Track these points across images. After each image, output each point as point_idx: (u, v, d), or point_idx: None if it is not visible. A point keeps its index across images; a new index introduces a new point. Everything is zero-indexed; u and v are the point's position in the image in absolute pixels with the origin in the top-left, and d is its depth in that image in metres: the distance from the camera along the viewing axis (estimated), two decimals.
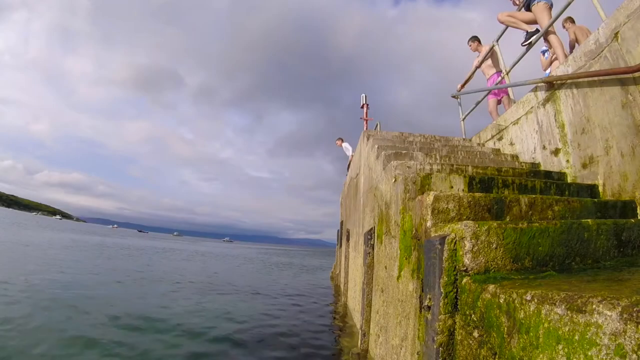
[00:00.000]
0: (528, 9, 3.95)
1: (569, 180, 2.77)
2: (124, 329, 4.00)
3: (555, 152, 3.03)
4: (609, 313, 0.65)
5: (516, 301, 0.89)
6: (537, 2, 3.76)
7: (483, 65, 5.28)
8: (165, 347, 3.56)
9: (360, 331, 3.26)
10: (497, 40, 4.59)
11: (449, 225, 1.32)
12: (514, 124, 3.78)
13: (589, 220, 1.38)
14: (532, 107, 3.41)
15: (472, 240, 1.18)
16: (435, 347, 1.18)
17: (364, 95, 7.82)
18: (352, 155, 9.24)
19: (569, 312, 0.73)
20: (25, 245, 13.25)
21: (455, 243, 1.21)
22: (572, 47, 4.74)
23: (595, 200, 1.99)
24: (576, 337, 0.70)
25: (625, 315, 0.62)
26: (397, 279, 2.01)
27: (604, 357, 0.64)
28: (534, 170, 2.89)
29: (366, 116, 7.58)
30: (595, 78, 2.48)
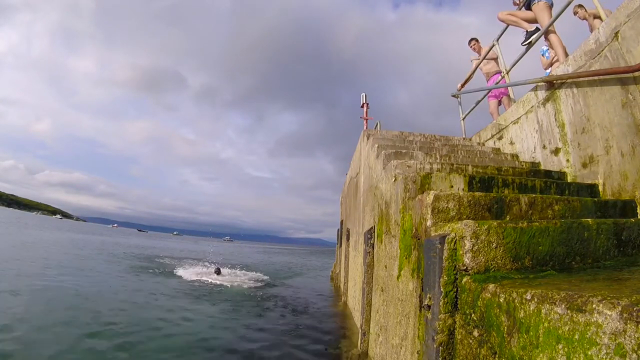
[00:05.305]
0: (528, 8, 3.95)
1: (569, 179, 2.77)
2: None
3: (556, 151, 3.02)
4: (609, 312, 0.65)
5: (516, 300, 0.89)
6: (538, 1, 3.75)
7: (483, 65, 5.28)
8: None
9: (360, 330, 3.27)
10: (497, 40, 4.59)
11: (449, 225, 1.32)
12: (514, 124, 3.78)
13: (589, 219, 1.38)
14: (532, 107, 3.40)
15: (472, 240, 1.18)
16: (435, 346, 1.18)
17: (364, 94, 7.78)
18: None
19: (569, 311, 0.73)
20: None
21: (455, 242, 1.21)
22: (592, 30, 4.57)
23: (595, 199, 1.99)
24: (576, 337, 0.70)
25: (625, 315, 0.62)
26: (397, 278, 2.01)
27: (604, 357, 0.64)
28: (534, 169, 2.89)
29: (366, 115, 7.54)
30: (596, 77, 2.47)
